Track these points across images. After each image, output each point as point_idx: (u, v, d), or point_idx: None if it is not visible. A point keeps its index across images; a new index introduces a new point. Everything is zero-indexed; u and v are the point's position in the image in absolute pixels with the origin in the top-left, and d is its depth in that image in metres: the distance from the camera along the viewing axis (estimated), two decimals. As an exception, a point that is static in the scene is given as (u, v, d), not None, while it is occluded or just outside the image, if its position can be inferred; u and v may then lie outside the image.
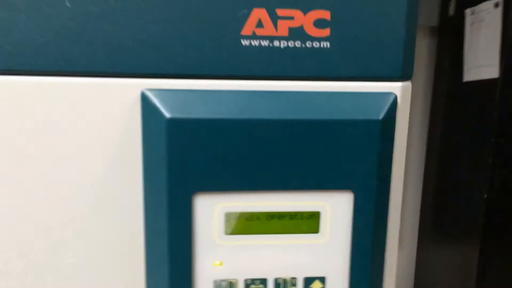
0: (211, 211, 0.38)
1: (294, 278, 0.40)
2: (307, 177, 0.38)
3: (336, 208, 0.39)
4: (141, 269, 0.40)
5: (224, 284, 0.39)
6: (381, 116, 0.37)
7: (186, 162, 0.36)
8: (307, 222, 0.39)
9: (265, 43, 0.37)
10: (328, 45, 0.37)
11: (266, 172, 0.37)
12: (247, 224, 0.39)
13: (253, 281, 0.40)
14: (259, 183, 0.37)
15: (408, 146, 1.95)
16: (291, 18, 0.37)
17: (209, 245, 0.38)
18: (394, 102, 0.38)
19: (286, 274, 0.40)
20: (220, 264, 0.39)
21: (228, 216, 0.38)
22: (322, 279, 0.40)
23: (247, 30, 0.37)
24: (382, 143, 0.38)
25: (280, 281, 0.40)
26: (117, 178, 0.39)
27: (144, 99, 0.36)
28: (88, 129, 0.37)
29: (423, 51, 0.87)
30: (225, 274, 0.39)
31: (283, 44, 0.37)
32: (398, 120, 0.39)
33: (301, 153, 0.37)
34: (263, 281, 0.40)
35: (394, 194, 0.41)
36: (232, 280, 0.39)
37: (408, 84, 0.39)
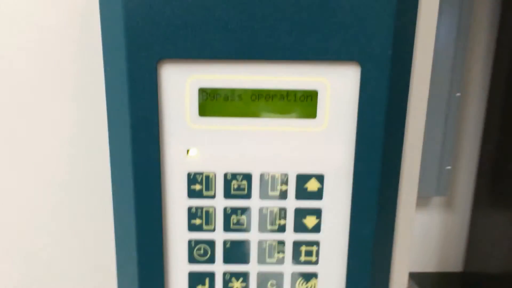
0: (181, 85, 0.31)
1: (285, 175, 0.32)
2: (302, 42, 0.30)
3: (337, 86, 0.31)
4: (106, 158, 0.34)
5: (199, 177, 0.32)
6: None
7: (145, 18, 0.29)
8: (302, 104, 0.31)
9: None
10: None
11: (249, 35, 0.30)
12: (227, 104, 0.31)
13: (234, 175, 0.32)
14: (241, 49, 0.30)
15: (466, 101, 1.81)
16: None
17: (180, 128, 0.31)
18: None
19: (275, 169, 0.32)
20: (196, 157, 0.32)
21: (203, 92, 0.31)
22: (319, 177, 0.33)
23: None
24: (400, -1, 0.29)
25: (268, 177, 0.32)
26: (76, 44, 0.32)
27: None
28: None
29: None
30: (201, 165, 0.32)
31: None
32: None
33: (293, 12, 0.29)
34: (247, 176, 0.32)
35: (420, 71, 0.32)
36: (209, 174, 0.32)
37: None
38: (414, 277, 1.39)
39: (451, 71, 1.68)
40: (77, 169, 0.35)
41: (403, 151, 0.34)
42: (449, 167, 1.79)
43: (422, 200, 1.90)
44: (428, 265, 1.82)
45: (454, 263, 1.98)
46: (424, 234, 2.04)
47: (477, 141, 1.83)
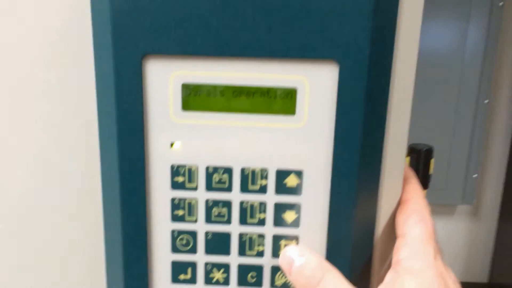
0: (165, 80, 0.32)
1: (264, 170, 0.33)
2: (281, 41, 0.31)
3: (316, 84, 0.32)
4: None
5: (182, 170, 0.33)
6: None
7: (131, 15, 0.30)
8: (281, 101, 0.32)
9: None
10: None
11: (230, 33, 0.31)
12: (209, 100, 0.32)
13: (216, 169, 0.33)
14: (223, 46, 0.31)
15: (495, 108, 1.77)
16: None
17: (164, 122, 0.33)
18: None
19: (255, 164, 0.33)
20: (180, 150, 0.33)
21: (186, 87, 0.32)
22: (298, 173, 0.33)
23: None
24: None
25: (248, 172, 0.33)
26: (68, 41, 0.34)
27: None
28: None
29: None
30: (184, 158, 0.33)
31: None
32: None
33: (273, 11, 0.30)
34: (228, 170, 0.33)
35: (403, 70, 0.33)
36: (191, 167, 0.33)
37: None
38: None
39: (479, 78, 1.65)
40: (72, 163, 0.37)
41: (386, 149, 0.34)
42: (475, 175, 1.75)
43: (448, 208, 1.87)
44: (450, 274, 1.78)
45: (480, 274, 1.93)
46: (449, 243, 1.99)
47: (505, 149, 1.79)
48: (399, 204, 0.35)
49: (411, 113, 0.34)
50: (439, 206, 1.82)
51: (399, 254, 0.32)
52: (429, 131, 1.68)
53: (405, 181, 0.35)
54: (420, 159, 0.98)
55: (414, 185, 0.35)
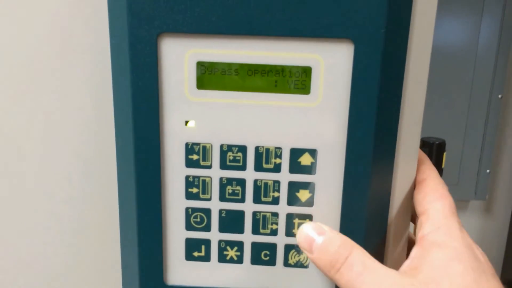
0: (180, 58, 0.32)
1: (279, 148, 0.33)
2: (296, 19, 0.31)
3: (331, 63, 0.32)
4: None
5: (196, 148, 0.34)
6: None
7: None
8: (296, 80, 0.32)
9: None
10: None
11: (245, 11, 0.31)
12: (224, 78, 0.33)
13: (230, 147, 0.34)
14: (238, 25, 0.31)
15: (508, 103, 1.74)
16: None
17: (179, 100, 0.33)
18: None
19: (269, 143, 0.33)
20: (194, 128, 0.34)
21: (201, 66, 0.32)
22: (312, 152, 0.33)
23: None
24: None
25: (262, 150, 0.34)
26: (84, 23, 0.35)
27: None
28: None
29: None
30: (198, 136, 0.34)
31: None
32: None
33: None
34: (242, 149, 0.34)
35: (418, 51, 0.32)
36: (206, 144, 0.34)
37: None
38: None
39: (493, 72, 1.63)
40: (87, 143, 0.37)
41: (400, 128, 0.34)
42: (488, 171, 1.74)
43: (460, 203, 1.86)
44: (462, 270, 1.76)
45: (491, 270, 1.92)
46: (460, 238, 1.97)
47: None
48: (414, 184, 0.35)
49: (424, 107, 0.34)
50: (451, 202, 1.80)
51: (423, 229, 0.32)
52: (441, 125, 1.66)
53: (419, 162, 0.35)
54: (432, 153, 0.98)
55: (429, 165, 0.35)
